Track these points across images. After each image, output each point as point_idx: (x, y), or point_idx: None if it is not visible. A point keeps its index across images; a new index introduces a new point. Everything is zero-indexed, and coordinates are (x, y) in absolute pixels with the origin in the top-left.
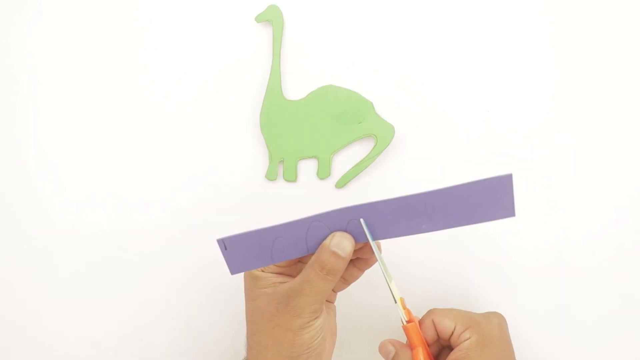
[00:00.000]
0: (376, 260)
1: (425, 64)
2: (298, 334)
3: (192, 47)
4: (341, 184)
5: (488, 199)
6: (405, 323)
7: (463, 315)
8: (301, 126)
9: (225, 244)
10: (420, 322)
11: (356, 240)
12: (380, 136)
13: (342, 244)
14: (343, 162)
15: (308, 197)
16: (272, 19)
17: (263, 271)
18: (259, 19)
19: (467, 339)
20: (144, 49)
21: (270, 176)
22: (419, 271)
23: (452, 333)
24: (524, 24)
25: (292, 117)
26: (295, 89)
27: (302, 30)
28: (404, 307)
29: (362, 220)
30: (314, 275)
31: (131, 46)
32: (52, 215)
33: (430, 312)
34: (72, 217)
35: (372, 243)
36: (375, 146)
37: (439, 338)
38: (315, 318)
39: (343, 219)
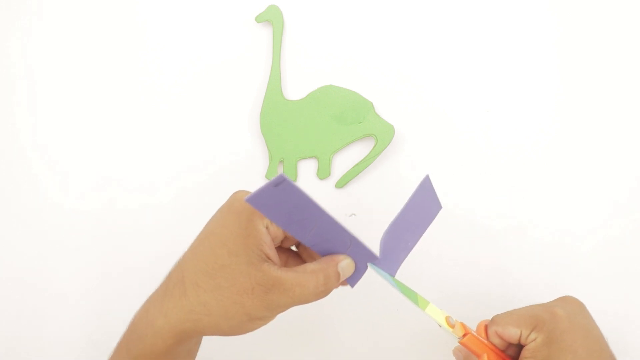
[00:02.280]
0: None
1: (425, 64)
2: (252, 322)
3: (192, 47)
4: (341, 184)
5: (426, 201)
6: (460, 339)
7: (526, 316)
8: (301, 126)
9: (282, 184)
10: (485, 333)
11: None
12: (380, 136)
13: (346, 270)
14: (343, 162)
15: None
16: (272, 19)
17: (267, 228)
18: (259, 19)
19: (533, 340)
20: (144, 50)
21: (270, 176)
22: (424, 272)
23: (520, 337)
24: (524, 24)
25: (292, 117)
26: (295, 89)
27: (302, 30)
28: (451, 326)
29: (370, 264)
30: (312, 284)
31: (131, 47)
32: (51, 215)
33: (492, 322)
34: (72, 219)
35: (392, 280)
36: (375, 146)
37: (510, 343)
38: (275, 317)
39: (363, 256)
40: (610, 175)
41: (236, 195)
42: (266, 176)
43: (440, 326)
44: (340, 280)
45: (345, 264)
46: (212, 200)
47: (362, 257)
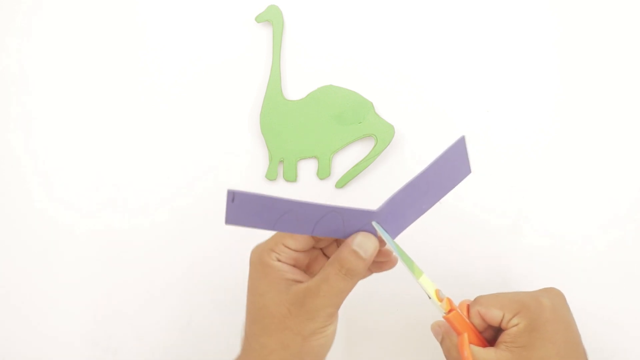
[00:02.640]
0: (390, 267)
1: (425, 63)
2: (308, 340)
3: (192, 47)
4: (341, 184)
5: (455, 163)
6: (445, 314)
7: (510, 301)
8: (301, 126)
9: (235, 197)
10: (467, 312)
11: None
12: (380, 136)
13: (365, 244)
14: (343, 162)
15: (308, 197)
16: (272, 19)
17: (279, 260)
18: (259, 19)
19: (515, 325)
20: (144, 50)
21: (270, 176)
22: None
23: (502, 320)
24: (524, 23)
25: (292, 117)
26: (295, 89)
27: (302, 30)
28: (440, 299)
29: (374, 223)
30: (333, 274)
31: (131, 47)
32: (51, 215)
33: (475, 302)
34: (72, 217)
35: (392, 242)
36: (375, 146)
37: (489, 325)
38: (330, 324)
39: (360, 219)
40: (610, 175)
41: (251, 252)
42: (266, 176)
43: (429, 298)
44: (364, 256)
45: (357, 240)
46: (211, 199)
47: (363, 221)
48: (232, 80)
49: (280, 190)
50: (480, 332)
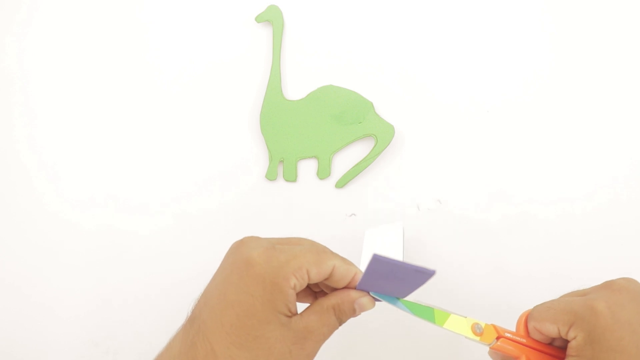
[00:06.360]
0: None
1: (426, 64)
2: None
3: (192, 47)
4: (341, 184)
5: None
6: (491, 345)
7: (562, 312)
8: (301, 126)
9: (425, 274)
10: (525, 327)
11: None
12: (380, 136)
13: (366, 306)
14: (343, 162)
15: (308, 197)
16: (272, 19)
17: (294, 288)
18: (259, 19)
19: (573, 338)
20: (145, 50)
21: (270, 176)
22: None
23: (559, 332)
24: (524, 24)
25: (292, 117)
26: (295, 89)
27: (302, 30)
28: (477, 334)
29: (372, 294)
30: (333, 320)
31: (131, 47)
32: (52, 216)
33: (530, 316)
34: (73, 218)
35: (402, 305)
36: (375, 146)
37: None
38: None
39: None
40: (610, 175)
41: (250, 254)
42: (266, 176)
43: (466, 337)
44: (357, 315)
45: (363, 302)
46: (211, 199)
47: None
48: (232, 80)
49: (280, 190)
50: (550, 343)
